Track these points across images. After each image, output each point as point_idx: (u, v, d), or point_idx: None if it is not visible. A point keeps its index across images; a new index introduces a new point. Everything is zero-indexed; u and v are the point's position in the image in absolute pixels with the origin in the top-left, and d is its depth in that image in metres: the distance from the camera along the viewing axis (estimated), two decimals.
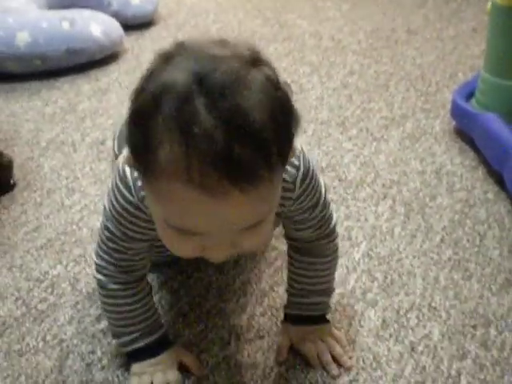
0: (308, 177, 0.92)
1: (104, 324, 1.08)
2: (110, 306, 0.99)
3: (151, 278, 1.18)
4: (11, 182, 1.45)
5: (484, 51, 1.60)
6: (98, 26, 2.01)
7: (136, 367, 1.00)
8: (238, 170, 0.66)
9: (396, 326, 1.08)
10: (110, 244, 0.94)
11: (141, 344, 1.00)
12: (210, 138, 0.65)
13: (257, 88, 0.69)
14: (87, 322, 1.10)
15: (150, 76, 0.71)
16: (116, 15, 2.20)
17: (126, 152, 0.84)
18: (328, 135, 1.64)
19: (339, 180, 1.46)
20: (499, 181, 1.44)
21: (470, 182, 1.46)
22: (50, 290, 1.17)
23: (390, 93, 1.87)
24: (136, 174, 0.86)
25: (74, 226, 1.32)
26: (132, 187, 0.87)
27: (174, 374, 0.99)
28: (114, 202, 0.90)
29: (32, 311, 1.12)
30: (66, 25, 1.97)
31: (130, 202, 0.88)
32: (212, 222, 0.71)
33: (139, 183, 0.86)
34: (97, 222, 1.31)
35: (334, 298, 1.12)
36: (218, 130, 0.65)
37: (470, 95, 1.64)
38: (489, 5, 1.53)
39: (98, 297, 1.02)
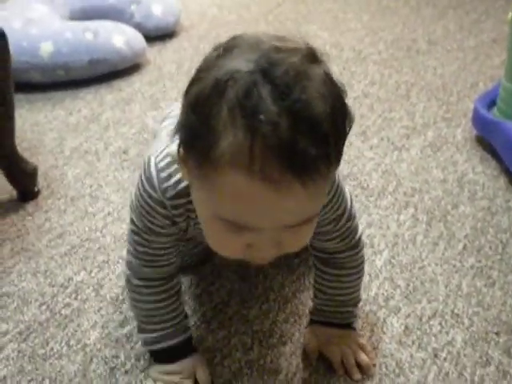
0: (333, 188, 0.92)
1: (127, 329, 1.09)
2: (134, 301, 1.00)
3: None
4: (35, 189, 1.46)
5: (504, 61, 1.61)
6: (120, 37, 2.03)
7: (153, 371, 1.01)
8: (302, 163, 0.66)
9: (419, 332, 1.08)
10: (135, 237, 0.95)
11: (162, 345, 1.00)
12: (275, 127, 0.65)
13: (318, 82, 0.69)
14: (111, 327, 1.10)
15: (209, 66, 0.71)
16: (138, 27, 2.22)
17: (168, 149, 0.87)
18: (349, 144, 1.65)
19: (361, 188, 1.46)
20: None
21: (492, 191, 1.46)
22: (74, 295, 1.18)
23: (411, 102, 1.87)
24: (162, 165, 0.87)
25: (98, 233, 1.34)
26: (155, 181, 0.87)
27: None
28: (138, 195, 0.90)
29: (56, 316, 1.13)
30: (89, 35, 1.99)
31: (150, 196, 0.88)
32: (269, 215, 0.70)
33: (163, 176, 0.86)
34: (120, 229, 1.33)
35: None
36: (283, 120, 0.65)
37: (491, 104, 1.65)
38: (509, 15, 1.53)
39: (126, 292, 1.03)
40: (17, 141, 1.42)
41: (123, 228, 1.33)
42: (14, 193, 1.46)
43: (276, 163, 0.65)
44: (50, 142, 1.69)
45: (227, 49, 0.71)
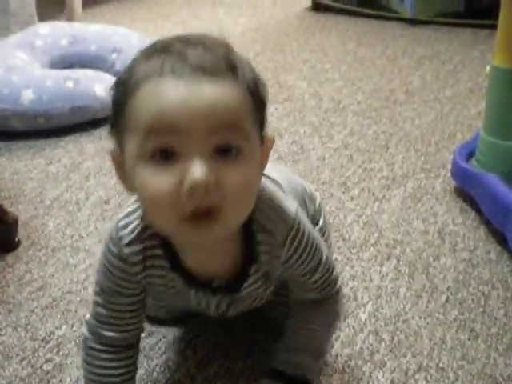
0: (303, 240, 0.92)
1: None
2: (87, 363, 0.99)
3: (157, 338, 1.18)
4: (16, 239, 1.45)
5: (482, 112, 1.63)
6: (101, 86, 2.04)
7: None
8: (206, 62, 0.75)
9: None
10: (96, 298, 0.96)
11: None
12: (183, 50, 0.76)
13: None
14: None
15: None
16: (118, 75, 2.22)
17: (131, 205, 0.92)
18: (330, 195, 1.66)
19: (343, 240, 1.47)
20: (501, 240, 1.45)
21: (473, 242, 1.47)
22: (55, 350, 1.16)
23: (390, 153, 1.89)
24: (120, 216, 0.92)
25: (79, 286, 1.32)
26: (114, 232, 0.91)
27: None
28: (101, 255, 0.94)
29: (38, 372, 1.11)
30: (70, 84, 2.00)
31: (110, 251, 0.92)
32: (186, 116, 0.73)
33: (120, 225, 0.91)
34: None
35: (342, 359, 1.12)
36: (190, 47, 0.77)
37: (470, 155, 1.67)
38: (487, 69, 1.56)
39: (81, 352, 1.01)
40: None
41: None
42: None
43: (184, 65, 0.75)
44: (30, 192, 1.68)
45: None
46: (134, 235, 0.90)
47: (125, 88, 0.78)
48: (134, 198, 0.90)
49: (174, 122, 0.73)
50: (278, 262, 0.92)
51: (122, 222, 0.91)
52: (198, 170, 0.73)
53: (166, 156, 0.75)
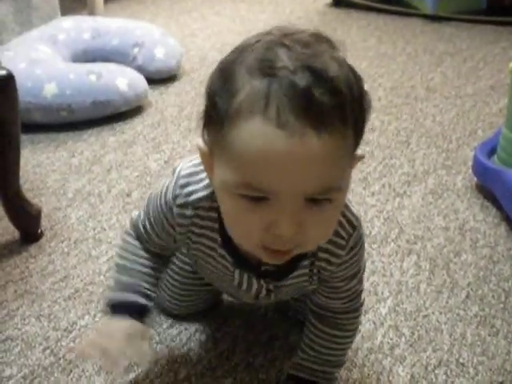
0: (359, 243, 0.93)
1: (132, 376, 1.09)
2: (120, 257, 1.04)
3: (179, 329, 1.19)
4: (39, 231, 1.46)
5: (504, 109, 1.63)
6: (123, 80, 2.05)
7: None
8: (316, 110, 0.69)
9: (425, 382, 1.08)
10: (143, 215, 1.01)
11: (125, 297, 1.00)
12: (290, 77, 0.69)
13: (333, 54, 0.74)
14: (115, 372, 1.10)
15: (240, 43, 0.78)
16: (140, 69, 2.23)
17: (195, 160, 0.92)
18: (351, 191, 1.65)
19: (364, 235, 1.47)
20: None
21: (494, 239, 1.47)
22: (78, 340, 1.17)
23: (411, 149, 1.89)
24: (183, 173, 0.91)
25: (102, 277, 1.34)
26: (172, 185, 0.91)
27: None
28: (157, 192, 0.96)
29: (60, 361, 1.13)
30: (92, 77, 2.00)
31: (164, 198, 0.93)
32: (284, 172, 0.70)
33: (180, 183, 0.90)
34: None
35: (362, 353, 1.13)
36: (298, 72, 0.69)
37: (491, 152, 1.66)
38: (510, 65, 1.56)
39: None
40: (20, 182, 1.42)
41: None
42: (17, 234, 1.46)
43: (291, 108, 0.68)
44: (53, 184, 1.69)
45: (256, 34, 0.78)
46: (189, 199, 0.90)
47: (226, 101, 0.73)
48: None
49: (273, 182, 0.72)
50: (335, 261, 0.92)
51: (183, 181, 0.91)
52: (287, 227, 0.74)
53: (257, 198, 0.74)
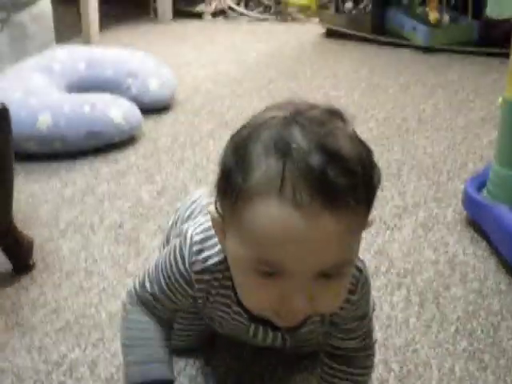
0: (367, 284, 0.95)
1: None
2: (128, 329, 1.02)
3: None
4: (31, 262, 1.47)
5: (494, 142, 1.64)
6: (117, 111, 2.06)
7: None
8: (331, 191, 0.71)
9: None
10: (146, 292, 0.98)
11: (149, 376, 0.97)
12: (306, 155, 0.71)
13: (346, 130, 0.77)
14: None
15: (252, 117, 0.79)
16: (134, 99, 2.25)
17: (206, 224, 0.92)
18: None
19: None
20: (511, 271, 1.46)
21: (483, 273, 1.48)
22: (68, 373, 1.18)
23: (402, 181, 1.90)
24: (196, 239, 0.91)
25: (93, 309, 1.34)
26: (186, 253, 0.91)
27: None
28: (167, 260, 0.95)
29: None
30: (87, 108, 2.02)
31: (177, 267, 0.92)
32: (300, 250, 0.72)
33: (195, 249, 0.90)
34: (115, 305, 1.34)
35: None
36: (313, 152, 0.72)
37: (481, 186, 1.68)
38: (500, 99, 1.57)
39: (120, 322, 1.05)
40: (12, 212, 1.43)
41: (118, 304, 1.33)
42: (9, 265, 1.46)
43: (306, 189, 0.70)
44: (45, 214, 1.70)
45: (267, 107, 0.81)
46: (207, 265, 0.91)
47: (241, 178, 0.74)
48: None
49: (288, 261, 0.74)
50: (347, 307, 0.93)
51: (197, 247, 0.91)
52: (299, 302, 0.76)
53: (270, 273, 0.76)
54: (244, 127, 0.79)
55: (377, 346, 1.04)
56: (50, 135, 1.97)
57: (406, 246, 1.58)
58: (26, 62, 2.35)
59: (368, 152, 0.79)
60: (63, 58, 2.36)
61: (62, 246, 1.56)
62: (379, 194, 1.79)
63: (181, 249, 0.93)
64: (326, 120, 0.76)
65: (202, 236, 0.92)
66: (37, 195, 1.80)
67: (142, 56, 2.52)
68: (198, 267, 0.91)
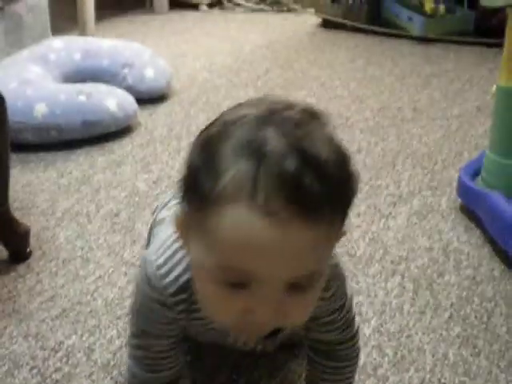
0: (340, 277, 0.92)
1: None
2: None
3: None
4: (27, 250, 1.47)
5: (488, 131, 1.65)
6: (113, 100, 2.07)
7: None
8: (306, 198, 0.66)
9: None
10: (134, 340, 0.94)
11: None
12: (280, 159, 0.66)
13: (324, 133, 0.71)
14: None
15: (222, 114, 0.74)
16: (130, 89, 2.25)
17: (168, 241, 0.87)
18: None
19: (349, 255, 1.49)
20: (505, 258, 1.47)
21: (477, 260, 1.49)
22: (64, 359, 1.19)
23: (397, 170, 1.91)
24: (160, 262, 0.86)
25: (89, 297, 1.35)
26: (153, 280, 0.86)
27: None
28: (137, 298, 0.91)
29: (47, 381, 1.14)
30: (82, 98, 2.03)
31: (149, 297, 0.87)
32: (269, 257, 0.68)
33: (162, 273, 0.85)
34: (110, 293, 1.35)
35: None
36: (288, 156, 0.66)
37: (475, 173, 1.69)
38: (493, 88, 1.58)
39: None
40: (9, 201, 1.44)
41: (114, 292, 1.35)
42: (6, 254, 1.47)
43: (280, 196, 0.65)
44: (42, 203, 1.71)
45: (239, 104, 0.75)
46: (180, 284, 0.85)
47: (209, 181, 0.69)
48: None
49: (256, 270, 0.69)
50: (322, 303, 0.90)
51: (163, 270, 0.86)
52: (265, 315, 0.72)
53: (235, 284, 0.71)
54: (214, 124, 0.74)
55: (359, 337, 1.02)
56: (46, 125, 1.97)
57: (401, 234, 1.59)
58: (22, 52, 2.35)
59: (346, 158, 0.73)
60: (59, 49, 2.37)
61: (58, 234, 1.57)
62: (374, 182, 1.81)
63: (147, 279, 0.87)
64: (304, 121, 0.70)
65: (163, 258, 0.87)
66: (33, 185, 1.81)
67: (138, 46, 2.53)
68: (171, 289, 0.86)
